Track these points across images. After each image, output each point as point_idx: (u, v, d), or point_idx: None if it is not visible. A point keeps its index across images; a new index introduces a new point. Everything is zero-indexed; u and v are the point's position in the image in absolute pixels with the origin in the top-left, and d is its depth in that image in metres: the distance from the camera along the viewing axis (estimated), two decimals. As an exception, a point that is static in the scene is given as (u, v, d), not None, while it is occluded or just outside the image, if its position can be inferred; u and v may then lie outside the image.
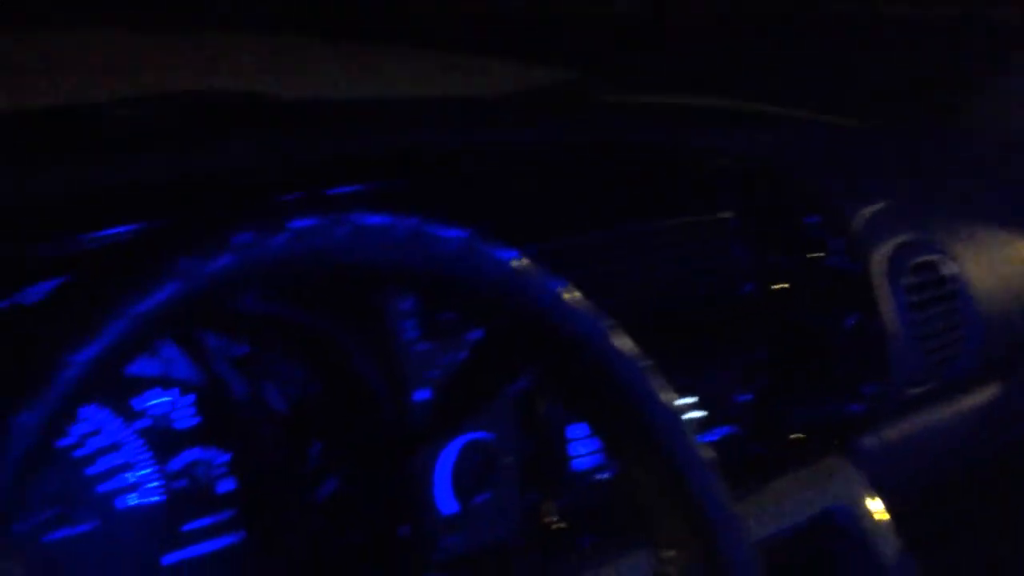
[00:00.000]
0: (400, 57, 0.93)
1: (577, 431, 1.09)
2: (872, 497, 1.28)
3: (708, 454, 0.72)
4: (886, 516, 1.28)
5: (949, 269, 1.43)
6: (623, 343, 0.71)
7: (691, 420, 0.72)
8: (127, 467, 0.97)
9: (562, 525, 1.07)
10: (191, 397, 1.00)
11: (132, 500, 0.97)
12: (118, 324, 0.55)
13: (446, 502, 0.98)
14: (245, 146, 0.76)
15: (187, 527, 0.99)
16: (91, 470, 0.95)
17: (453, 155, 0.95)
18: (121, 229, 0.80)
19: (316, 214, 0.61)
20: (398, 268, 0.65)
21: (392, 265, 0.64)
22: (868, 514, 1.28)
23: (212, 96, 0.81)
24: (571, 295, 0.69)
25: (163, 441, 0.99)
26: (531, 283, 0.68)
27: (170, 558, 0.98)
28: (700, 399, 1.06)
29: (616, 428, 0.72)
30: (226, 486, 1.01)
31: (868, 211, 1.37)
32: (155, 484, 0.98)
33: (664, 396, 0.71)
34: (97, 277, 0.57)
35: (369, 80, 0.92)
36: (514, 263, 0.68)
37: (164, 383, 0.99)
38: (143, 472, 0.97)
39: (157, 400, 0.99)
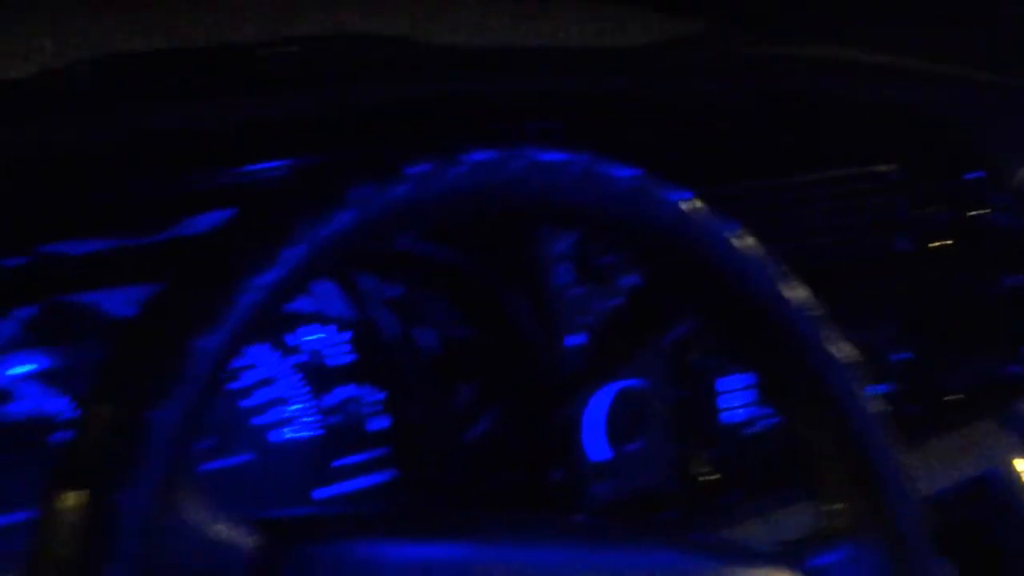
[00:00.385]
0: (554, 7, 0.92)
1: (728, 384, 1.07)
2: (1028, 463, 1.25)
3: (879, 407, 0.70)
4: (1042, 483, 1.24)
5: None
6: (796, 291, 0.69)
7: (863, 372, 0.70)
8: (282, 401, 0.98)
9: (711, 477, 1.05)
10: (346, 335, 1.01)
11: (286, 434, 0.98)
12: (296, 251, 0.55)
13: (597, 449, 0.97)
14: (416, 84, 0.75)
15: (339, 463, 1.00)
16: (247, 403, 0.96)
17: (610, 101, 0.94)
18: (293, 162, 0.81)
19: (491, 148, 0.60)
20: (569, 205, 0.63)
21: (564, 202, 0.63)
22: (1022, 480, 1.24)
23: (379, 38, 0.81)
24: (744, 240, 0.67)
25: (317, 377, 1.00)
26: (704, 225, 0.66)
27: (322, 493, 0.99)
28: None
29: (784, 378, 0.70)
30: (379, 424, 1.02)
31: (1034, 168, 1.32)
32: (309, 419, 0.99)
33: (836, 347, 0.69)
34: (276, 204, 0.57)
35: (526, 27, 0.91)
36: (687, 204, 0.66)
37: (320, 319, 1.00)
38: (297, 407, 0.99)
39: (313, 336, 1.00)
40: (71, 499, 0.48)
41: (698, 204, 0.67)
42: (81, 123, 0.80)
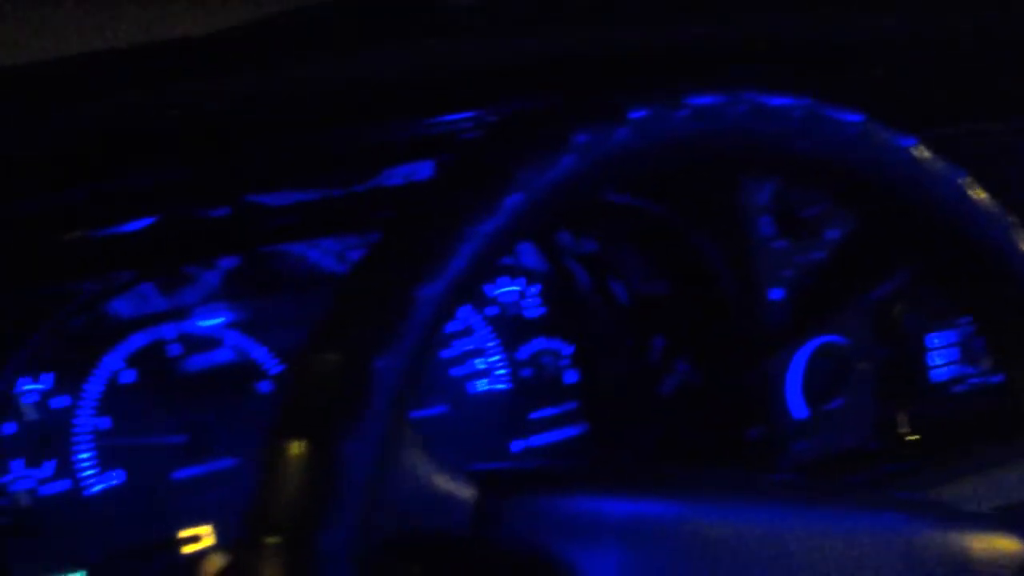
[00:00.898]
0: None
1: (936, 340, 1.03)
2: None
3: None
4: None
5: None
6: (1029, 242, 0.65)
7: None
8: (478, 353, 0.97)
9: (916, 436, 1.01)
10: (538, 287, 1.00)
11: (482, 386, 0.97)
12: (516, 197, 0.54)
13: (797, 406, 0.94)
14: (632, 27, 0.73)
15: (533, 415, 0.99)
16: (445, 353, 0.96)
17: (822, 45, 0.90)
18: (489, 111, 0.80)
19: (714, 92, 0.58)
20: (793, 151, 0.61)
21: (787, 148, 0.60)
22: None
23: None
24: (974, 188, 0.64)
25: (511, 329, 0.99)
26: (935, 172, 0.63)
27: (517, 445, 0.98)
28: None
29: (1014, 331, 0.66)
30: (571, 377, 1.01)
31: None
32: (503, 371, 0.98)
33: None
34: (497, 151, 0.56)
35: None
36: (915, 150, 0.63)
37: (512, 272, 0.99)
38: (492, 359, 0.98)
39: (506, 288, 0.99)
40: (296, 448, 0.48)
41: (926, 150, 0.63)
42: (282, 73, 0.81)
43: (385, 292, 0.51)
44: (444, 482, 0.53)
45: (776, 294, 0.94)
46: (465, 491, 0.53)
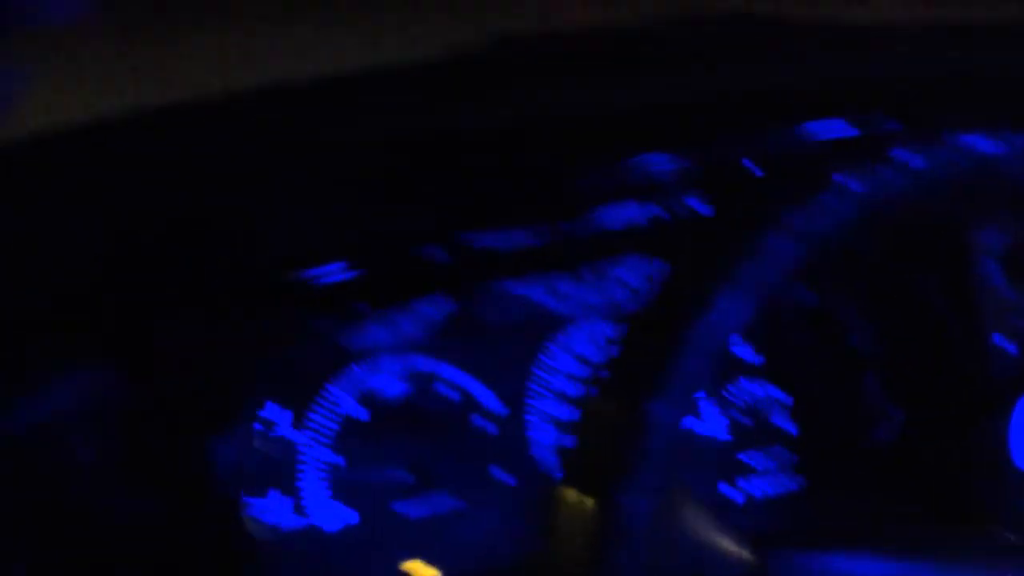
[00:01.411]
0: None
1: None
2: None
3: None
4: None
5: None
6: None
7: None
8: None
9: None
10: (753, 332, 0.99)
11: (689, 428, 0.96)
12: (782, 242, 0.53)
13: (1026, 461, 0.91)
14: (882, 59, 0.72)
15: (743, 459, 0.97)
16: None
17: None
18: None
19: (984, 131, 0.56)
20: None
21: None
22: None
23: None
24: None
25: (723, 372, 0.97)
26: None
27: (724, 490, 0.97)
28: None
29: None
30: (786, 425, 0.99)
31: None
32: (717, 415, 0.97)
33: None
34: (759, 191, 0.55)
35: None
36: None
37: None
38: (705, 401, 0.97)
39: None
40: (577, 499, 0.48)
41: None
42: (495, 111, 0.81)
43: (659, 341, 0.50)
44: (715, 536, 0.52)
45: (1004, 343, 0.91)
46: (737, 547, 0.53)
